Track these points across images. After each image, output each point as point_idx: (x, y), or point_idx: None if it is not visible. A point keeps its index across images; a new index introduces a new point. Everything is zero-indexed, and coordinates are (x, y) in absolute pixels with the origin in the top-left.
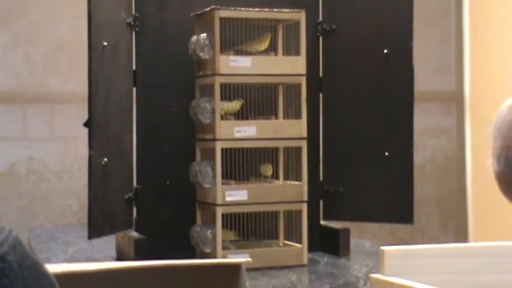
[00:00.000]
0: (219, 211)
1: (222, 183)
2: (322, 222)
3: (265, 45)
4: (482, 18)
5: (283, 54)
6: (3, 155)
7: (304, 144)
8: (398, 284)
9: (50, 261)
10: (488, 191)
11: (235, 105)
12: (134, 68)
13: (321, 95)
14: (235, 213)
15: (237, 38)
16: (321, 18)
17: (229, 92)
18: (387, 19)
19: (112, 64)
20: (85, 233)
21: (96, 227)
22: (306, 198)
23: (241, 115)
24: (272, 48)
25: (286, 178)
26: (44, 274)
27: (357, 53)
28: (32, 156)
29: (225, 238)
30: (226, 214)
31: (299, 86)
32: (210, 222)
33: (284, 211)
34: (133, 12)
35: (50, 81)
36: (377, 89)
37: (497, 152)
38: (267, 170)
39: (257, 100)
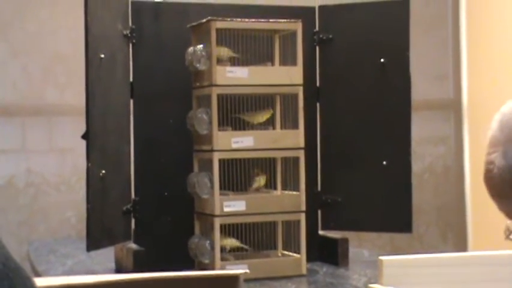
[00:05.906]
0: (217, 222)
1: (220, 194)
2: (321, 232)
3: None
4: (479, 25)
5: (279, 64)
6: (1, 168)
7: (301, 154)
8: None
9: (48, 273)
10: (488, 199)
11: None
12: (131, 79)
13: (318, 104)
14: (233, 224)
15: (233, 49)
16: (317, 28)
17: (226, 102)
18: (384, 28)
19: (109, 76)
20: (84, 245)
21: (95, 239)
22: (304, 208)
23: (238, 125)
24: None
25: (284, 188)
26: (28, 278)
27: (354, 63)
28: (30, 169)
29: (227, 245)
30: (225, 225)
31: (296, 96)
32: (209, 233)
33: (282, 221)
34: (130, 24)
35: (48, 93)
36: (374, 98)
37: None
38: (261, 180)
39: (254, 110)
